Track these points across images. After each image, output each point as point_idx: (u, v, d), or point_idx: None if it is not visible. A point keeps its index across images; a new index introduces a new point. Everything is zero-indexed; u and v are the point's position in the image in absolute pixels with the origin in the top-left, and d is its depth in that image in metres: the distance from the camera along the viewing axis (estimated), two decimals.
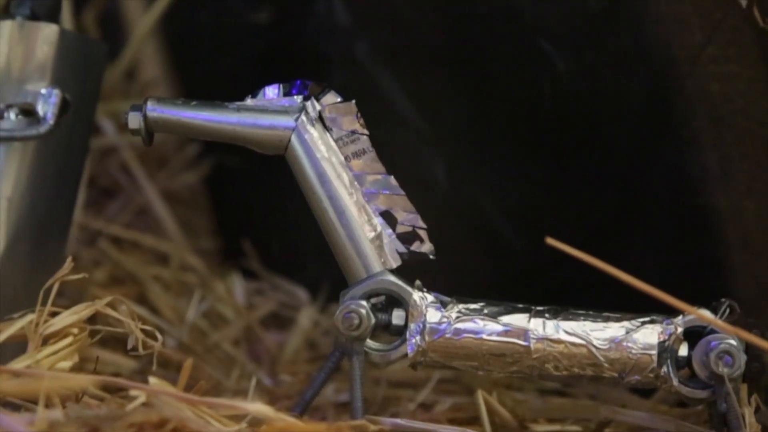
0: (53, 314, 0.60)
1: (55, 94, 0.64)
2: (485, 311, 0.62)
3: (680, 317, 0.61)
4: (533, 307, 0.62)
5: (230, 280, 0.83)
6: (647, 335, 0.61)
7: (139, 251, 0.84)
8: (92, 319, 0.62)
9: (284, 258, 0.85)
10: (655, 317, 0.62)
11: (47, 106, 0.64)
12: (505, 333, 0.62)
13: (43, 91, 0.64)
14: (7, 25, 0.64)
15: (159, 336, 0.60)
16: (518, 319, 0.62)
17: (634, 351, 0.61)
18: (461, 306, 0.62)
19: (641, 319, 0.62)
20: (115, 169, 0.86)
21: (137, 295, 0.80)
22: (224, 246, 0.87)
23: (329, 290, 0.82)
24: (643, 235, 0.72)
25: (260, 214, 0.85)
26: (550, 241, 0.57)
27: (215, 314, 0.81)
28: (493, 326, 0.62)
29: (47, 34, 0.65)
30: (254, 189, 0.85)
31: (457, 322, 0.62)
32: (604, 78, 0.70)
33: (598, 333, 0.61)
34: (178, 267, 0.83)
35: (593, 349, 0.61)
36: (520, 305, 0.62)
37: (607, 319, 0.62)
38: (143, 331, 0.61)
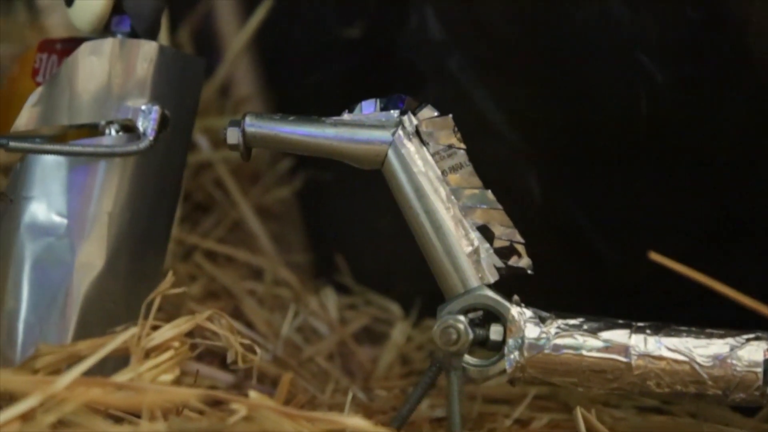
0: (154, 328, 0.60)
1: (155, 111, 0.65)
2: (585, 327, 0.61)
3: None
4: (634, 323, 0.61)
5: (323, 295, 0.84)
6: (752, 352, 0.60)
7: (234, 266, 0.84)
8: (190, 333, 0.62)
9: (377, 272, 0.85)
10: (760, 334, 0.60)
11: (147, 123, 0.65)
12: (606, 349, 0.61)
13: (143, 107, 0.65)
14: (108, 43, 0.65)
15: (258, 350, 0.61)
16: (619, 335, 0.61)
17: (738, 368, 0.60)
18: (560, 321, 0.62)
19: (746, 336, 0.60)
20: (209, 184, 0.87)
21: (232, 309, 0.80)
22: (317, 260, 0.87)
23: (422, 305, 0.82)
24: (747, 249, 0.70)
25: (353, 228, 0.85)
26: (654, 255, 0.56)
27: (309, 328, 0.81)
28: (593, 342, 0.61)
29: (147, 51, 0.65)
30: (346, 203, 0.85)
31: (557, 337, 0.61)
32: (704, 89, 0.69)
33: (702, 350, 0.60)
34: (272, 281, 0.84)
35: (696, 366, 0.60)
36: (620, 321, 0.62)
37: (710, 336, 0.61)
38: (241, 345, 0.61)
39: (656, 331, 0.61)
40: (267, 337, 0.79)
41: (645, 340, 0.61)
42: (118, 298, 0.66)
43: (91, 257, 0.65)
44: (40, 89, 0.64)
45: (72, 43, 0.66)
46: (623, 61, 0.70)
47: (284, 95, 0.88)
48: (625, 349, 0.61)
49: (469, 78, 0.76)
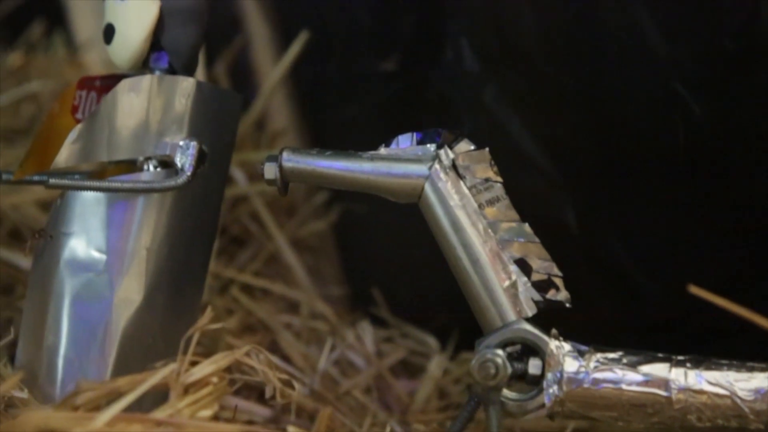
0: (192, 363, 0.60)
1: (193, 146, 0.65)
2: (624, 360, 0.61)
3: None
4: (674, 357, 0.61)
5: (360, 328, 0.83)
6: None
7: (270, 299, 0.84)
8: (228, 368, 0.62)
9: (413, 305, 0.85)
10: None
11: (185, 158, 0.65)
12: (646, 383, 0.60)
13: (181, 143, 0.66)
14: (147, 79, 0.65)
15: (297, 385, 0.61)
16: (659, 369, 0.60)
17: None
18: (599, 355, 0.61)
19: None
20: (245, 218, 0.87)
21: (269, 343, 0.80)
22: (353, 293, 0.87)
23: (459, 338, 0.82)
24: None
25: (389, 261, 0.85)
26: (693, 288, 0.56)
27: (345, 362, 0.81)
28: (632, 376, 0.61)
29: (185, 87, 0.66)
30: (382, 236, 0.85)
31: (596, 371, 0.61)
32: (742, 120, 0.69)
33: (743, 383, 0.60)
34: (309, 315, 0.84)
35: (738, 400, 0.59)
36: (660, 354, 0.61)
37: (751, 369, 0.60)
38: (279, 380, 0.61)
39: (696, 364, 0.60)
40: (304, 371, 0.79)
41: (685, 373, 0.60)
42: (157, 332, 0.66)
43: (130, 293, 0.65)
44: (79, 126, 0.64)
45: (111, 80, 0.66)
46: (660, 93, 0.70)
47: (320, 129, 0.88)
48: (665, 383, 0.60)
49: (505, 110, 0.76)
